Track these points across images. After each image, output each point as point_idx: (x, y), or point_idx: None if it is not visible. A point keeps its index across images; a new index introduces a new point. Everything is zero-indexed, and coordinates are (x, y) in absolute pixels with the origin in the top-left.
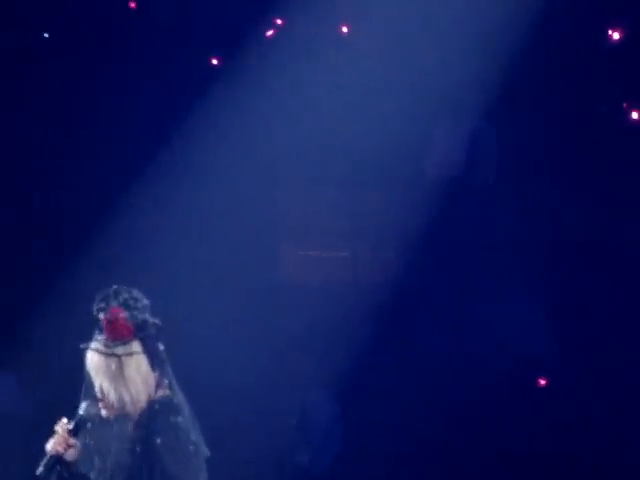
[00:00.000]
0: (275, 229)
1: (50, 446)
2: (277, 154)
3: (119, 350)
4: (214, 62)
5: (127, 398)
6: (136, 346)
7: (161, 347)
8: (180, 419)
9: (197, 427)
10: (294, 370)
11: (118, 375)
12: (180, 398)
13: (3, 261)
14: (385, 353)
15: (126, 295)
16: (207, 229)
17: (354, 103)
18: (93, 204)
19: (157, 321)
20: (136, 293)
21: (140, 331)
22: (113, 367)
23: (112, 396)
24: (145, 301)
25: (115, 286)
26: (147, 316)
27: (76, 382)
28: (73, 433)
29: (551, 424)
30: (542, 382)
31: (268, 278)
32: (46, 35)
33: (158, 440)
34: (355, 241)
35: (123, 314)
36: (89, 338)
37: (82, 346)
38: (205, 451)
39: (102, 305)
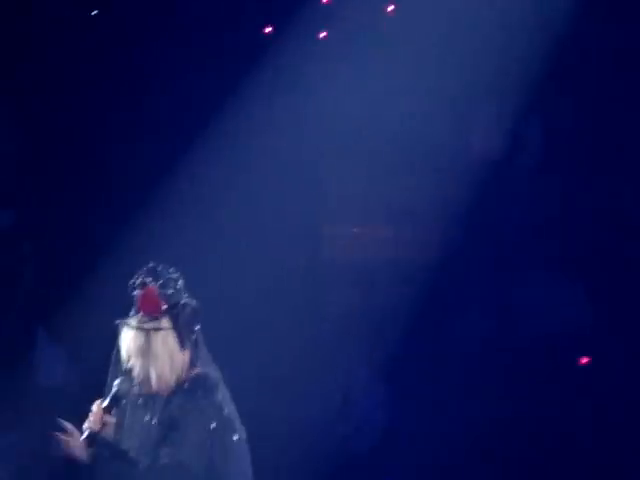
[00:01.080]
0: (318, 207)
1: (86, 424)
2: (321, 132)
3: (148, 325)
4: (267, 30)
5: (153, 374)
6: (166, 322)
7: (196, 327)
8: (213, 398)
9: (233, 408)
10: (337, 348)
11: (145, 350)
12: (215, 378)
13: (59, 235)
14: (427, 331)
15: (162, 273)
16: (250, 207)
17: (400, 82)
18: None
19: (192, 300)
20: (173, 272)
21: (173, 309)
22: (141, 342)
23: (138, 371)
24: (181, 280)
25: (153, 264)
26: (182, 295)
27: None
28: (108, 410)
29: (595, 404)
30: (584, 361)
31: (311, 255)
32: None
33: (188, 419)
34: (398, 219)
35: (157, 291)
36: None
37: (117, 321)
38: (242, 431)
39: (138, 281)
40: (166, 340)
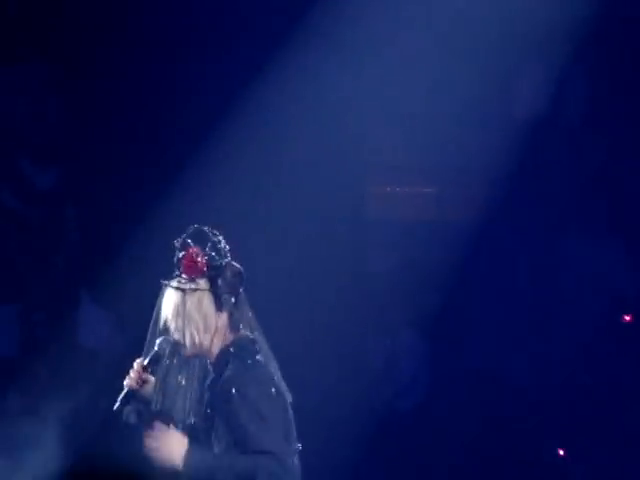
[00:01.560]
0: (362, 166)
1: (126, 382)
2: (364, 92)
3: (185, 285)
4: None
5: (187, 335)
6: (203, 284)
7: (237, 290)
8: (263, 364)
9: (278, 373)
10: (381, 308)
11: (181, 310)
12: (261, 342)
13: (103, 199)
14: (472, 292)
15: (206, 235)
16: (295, 166)
17: (440, 41)
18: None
19: (235, 264)
20: (217, 234)
21: (212, 270)
22: (177, 302)
23: (174, 331)
24: (224, 243)
25: (197, 226)
26: (223, 258)
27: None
28: (147, 369)
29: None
30: (627, 318)
31: (355, 214)
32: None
33: (233, 389)
34: (441, 178)
35: (198, 252)
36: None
37: (160, 281)
38: (287, 395)
39: (180, 242)
40: (201, 301)
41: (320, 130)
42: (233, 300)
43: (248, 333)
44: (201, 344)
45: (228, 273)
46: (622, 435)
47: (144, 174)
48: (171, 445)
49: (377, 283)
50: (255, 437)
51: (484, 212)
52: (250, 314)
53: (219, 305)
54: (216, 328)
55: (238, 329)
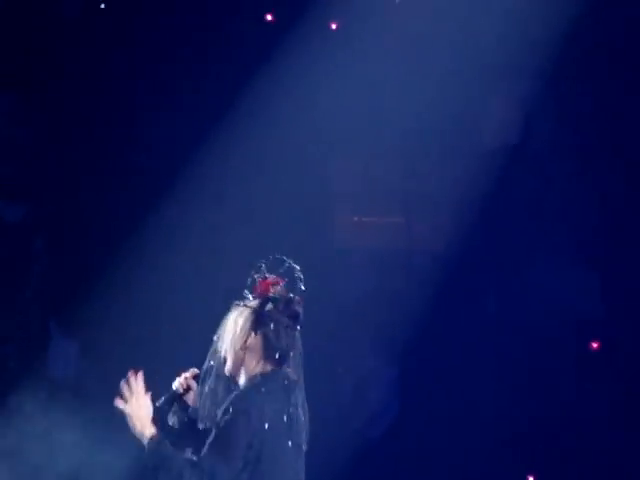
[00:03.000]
0: (330, 195)
1: (174, 384)
2: (331, 121)
3: (239, 302)
4: (268, 18)
5: (223, 346)
6: (254, 303)
7: (283, 321)
8: (271, 395)
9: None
10: (350, 335)
11: (225, 322)
12: (292, 384)
13: (70, 230)
14: (440, 318)
15: (288, 268)
16: (263, 196)
17: (408, 70)
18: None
19: (297, 300)
20: (298, 271)
21: (272, 296)
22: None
23: (215, 341)
24: (301, 283)
25: (280, 257)
26: (289, 290)
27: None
28: (196, 378)
29: (605, 387)
30: (594, 345)
31: (323, 243)
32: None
33: (230, 407)
34: (410, 207)
35: (276, 280)
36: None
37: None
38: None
39: (260, 268)
40: (242, 315)
41: (287, 160)
42: (272, 326)
43: (289, 370)
44: (232, 357)
45: (282, 302)
46: (590, 462)
47: (112, 207)
48: (140, 412)
49: (345, 311)
50: (207, 447)
51: (452, 241)
52: (299, 354)
53: (255, 325)
54: (246, 346)
55: (273, 358)
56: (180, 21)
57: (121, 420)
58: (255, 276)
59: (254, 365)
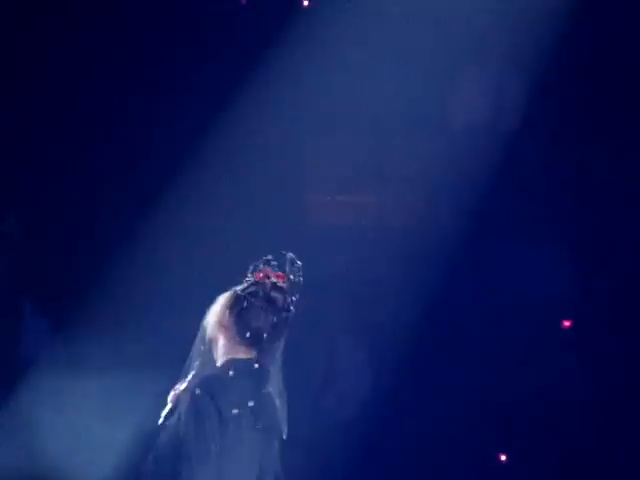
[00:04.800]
0: (301, 175)
1: (169, 397)
2: (303, 101)
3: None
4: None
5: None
6: (242, 289)
7: (259, 304)
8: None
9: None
10: (321, 315)
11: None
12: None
13: (43, 207)
14: (411, 297)
15: (289, 261)
16: (235, 177)
17: (381, 50)
18: None
19: (283, 289)
20: (297, 264)
21: (261, 284)
22: None
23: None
24: (299, 275)
25: (291, 255)
26: (288, 283)
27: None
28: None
29: (580, 370)
30: (566, 324)
31: (296, 223)
32: None
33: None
34: (382, 186)
35: (278, 274)
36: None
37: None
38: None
39: (263, 260)
40: (224, 298)
41: (259, 140)
42: (245, 305)
43: (264, 355)
44: (211, 337)
45: (265, 288)
46: (562, 439)
47: (90, 180)
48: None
49: (317, 291)
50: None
51: (425, 220)
52: (278, 340)
53: (231, 303)
54: (221, 324)
55: (245, 339)
56: (158, 11)
57: (91, 399)
58: (260, 265)
59: (229, 346)
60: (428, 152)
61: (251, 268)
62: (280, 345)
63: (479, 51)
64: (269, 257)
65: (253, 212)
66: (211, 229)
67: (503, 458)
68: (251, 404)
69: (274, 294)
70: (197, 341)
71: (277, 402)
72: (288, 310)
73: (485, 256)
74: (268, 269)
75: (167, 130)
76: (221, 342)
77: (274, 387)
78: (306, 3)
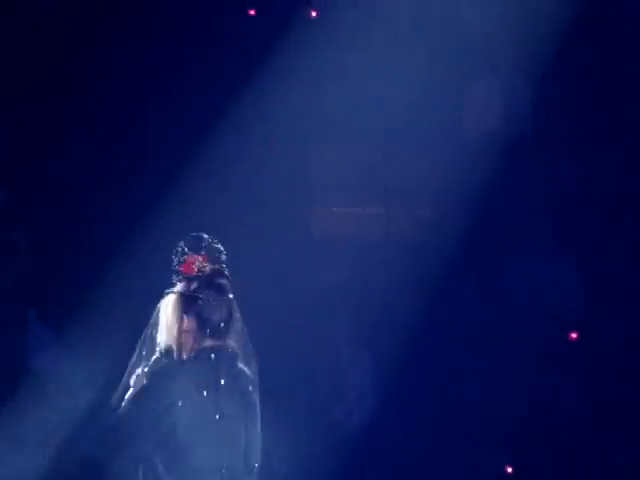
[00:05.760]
0: (308, 187)
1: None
2: (311, 111)
3: (168, 290)
4: (251, 13)
5: (156, 334)
6: (179, 287)
7: (212, 294)
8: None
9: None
10: (327, 326)
11: (156, 311)
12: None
13: (51, 218)
14: (417, 308)
15: (204, 242)
16: (242, 187)
17: (386, 59)
18: None
19: (222, 270)
20: (216, 242)
21: (198, 274)
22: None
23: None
24: (221, 252)
25: (195, 234)
26: (216, 264)
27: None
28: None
29: (585, 378)
30: (573, 336)
31: (302, 235)
32: None
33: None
34: (388, 198)
35: (197, 259)
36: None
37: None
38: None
39: (182, 250)
40: (167, 303)
41: (266, 151)
42: (200, 303)
43: (229, 342)
44: (172, 342)
45: (204, 278)
46: (568, 452)
47: (95, 193)
48: None
49: (323, 300)
50: None
51: (431, 231)
52: (237, 324)
53: (185, 307)
54: (183, 329)
55: (207, 334)
56: (161, 16)
57: (98, 408)
58: (177, 258)
59: (192, 344)
60: (435, 163)
61: (175, 262)
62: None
63: (488, 61)
64: (180, 245)
65: (259, 224)
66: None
67: (510, 470)
68: (205, 393)
69: (218, 280)
70: (140, 344)
71: (243, 388)
72: (232, 293)
73: (492, 267)
74: (190, 258)
75: (172, 139)
76: (185, 342)
77: (238, 373)
78: (314, 14)
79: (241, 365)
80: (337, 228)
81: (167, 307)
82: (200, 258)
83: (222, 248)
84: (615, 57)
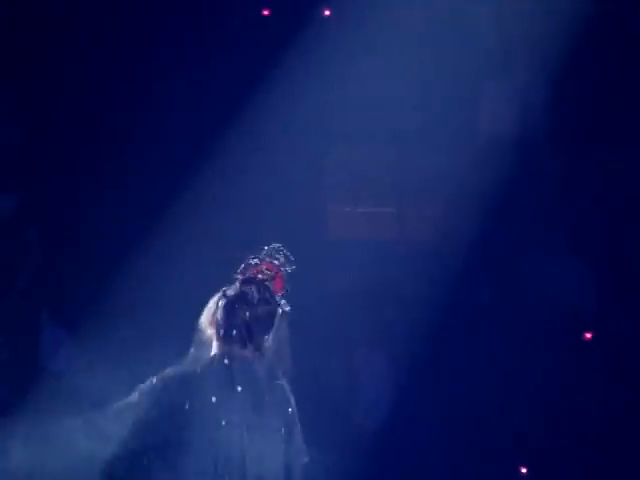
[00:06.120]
0: (323, 186)
1: None
2: (325, 112)
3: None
4: (265, 13)
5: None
6: (226, 288)
7: (235, 300)
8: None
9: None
10: (343, 327)
11: None
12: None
13: (64, 220)
14: (433, 308)
15: (278, 253)
16: (256, 188)
17: (401, 58)
18: None
19: (253, 282)
20: (285, 252)
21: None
22: None
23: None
24: (284, 270)
25: (275, 245)
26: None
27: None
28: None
29: (598, 378)
30: (588, 336)
31: (317, 234)
32: None
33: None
34: (403, 198)
35: (263, 266)
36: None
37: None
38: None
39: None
40: (213, 300)
41: (281, 151)
42: (222, 303)
43: (245, 351)
44: (206, 333)
45: (239, 282)
46: (583, 451)
47: (106, 195)
48: None
49: (338, 302)
50: None
51: (445, 232)
52: (260, 334)
53: (215, 304)
54: (208, 324)
55: (220, 336)
56: (172, 16)
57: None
58: (250, 261)
59: (214, 344)
60: (451, 163)
61: (240, 268)
62: (265, 340)
63: (501, 60)
64: (255, 257)
65: (273, 223)
66: (229, 240)
67: (524, 471)
68: (214, 399)
69: (244, 288)
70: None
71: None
72: (267, 302)
73: (507, 267)
74: (260, 266)
75: (186, 139)
76: (211, 340)
77: (252, 381)
78: (327, 12)
79: (279, 378)
80: (351, 228)
81: (213, 308)
82: (269, 267)
83: (289, 261)
84: (631, 57)
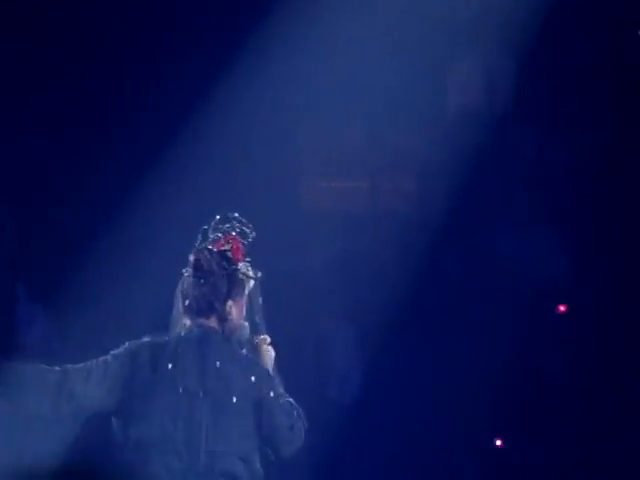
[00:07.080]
0: (296, 160)
1: None
2: (298, 86)
3: None
4: None
5: None
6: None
7: (190, 273)
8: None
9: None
10: (314, 301)
11: None
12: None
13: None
14: (406, 282)
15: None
16: (229, 163)
17: (375, 36)
18: None
19: (201, 247)
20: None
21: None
22: None
23: None
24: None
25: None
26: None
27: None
28: None
29: (572, 352)
30: (562, 309)
31: (290, 209)
32: None
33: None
34: (375, 170)
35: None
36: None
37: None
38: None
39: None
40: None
41: (254, 124)
42: (185, 280)
43: (206, 322)
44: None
45: (195, 254)
46: (557, 426)
47: (81, 171)
48: None
49: (311, 275)
50: None
51: (417, 204)
52: (226, 305)
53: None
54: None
55: (184, 308)
56: None
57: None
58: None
59: (183, 317)
60: (421, 137)
61: (198, 240)
62: (229, 307)
63: (470, 35)
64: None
65: (247, 198)
66: (205, 214)
67: (499, 443)
68: (170, 367)
69: (195, 257)
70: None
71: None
72: (223, 268)
73: (479, 240)
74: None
75: (159, 117)
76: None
77: (213, 352)
78: None
79: (244, 350)
80: (325, 201)
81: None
82: (229, 240)
83: (249, 228)
84: (600, 36)
